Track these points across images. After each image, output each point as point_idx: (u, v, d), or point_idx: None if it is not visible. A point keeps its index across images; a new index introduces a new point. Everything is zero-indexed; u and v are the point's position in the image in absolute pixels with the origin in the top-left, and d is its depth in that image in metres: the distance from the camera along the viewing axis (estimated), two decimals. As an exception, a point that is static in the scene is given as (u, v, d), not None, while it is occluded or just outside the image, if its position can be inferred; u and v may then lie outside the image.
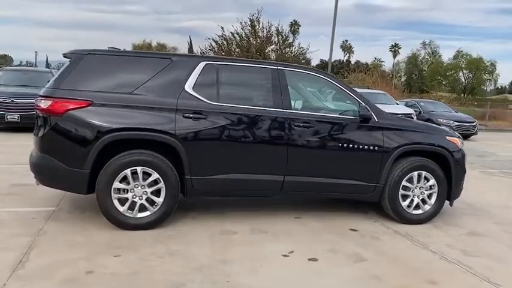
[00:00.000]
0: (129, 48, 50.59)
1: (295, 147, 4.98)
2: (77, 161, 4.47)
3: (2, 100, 11.98)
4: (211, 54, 23.97)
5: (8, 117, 11.95)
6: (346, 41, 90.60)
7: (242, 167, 4.88)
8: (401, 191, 5.31)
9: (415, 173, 5.34)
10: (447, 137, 5.59)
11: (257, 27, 24.75)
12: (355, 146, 5.13)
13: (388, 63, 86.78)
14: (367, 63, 64.11)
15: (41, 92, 4.72)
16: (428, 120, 16.21)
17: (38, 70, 19.13)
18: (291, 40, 26.09)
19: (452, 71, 70.32)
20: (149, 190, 4.60)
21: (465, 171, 5.67)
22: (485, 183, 8.51)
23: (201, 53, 24.61)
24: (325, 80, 5.49)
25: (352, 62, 76.71)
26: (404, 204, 5.34)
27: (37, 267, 3.66)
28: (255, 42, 24.70)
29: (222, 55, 23.33)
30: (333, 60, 25.57)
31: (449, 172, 5.47)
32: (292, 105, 5.14)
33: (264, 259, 4.10)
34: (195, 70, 4.84)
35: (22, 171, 6.57)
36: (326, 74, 5.68)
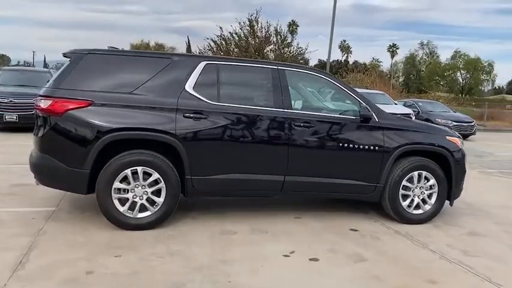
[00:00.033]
0: (127, 48, 50.47)
1: (295, 147, 4.98)
2: (77, 161, 4.46)
3: (0, 100, 11.95)
4: (210, 54, 23.94)
5: (6, 117, 11.93)
6: (344, 41, 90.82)
7: (243, 167, 4.88)
8: (401, 191, 5.31)
9: (416, 173, 5.34)
10: (447, 137, 5.60)
11: (256, 27, 24.74)
12: (356, 146, 5.13)
13: (386, 64, 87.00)
14: (365, 64, 64.22)
15: (41, 92, 4.71)
16: (426, 120, 16.22)
17: (36, 70, 19.09)
18: (289, 40, 26.10)
19: (450, 71, 70.49)
20: (149, 190, 4.59)
21: (465, 171, 5.68)
22: (484, 183, 8.52)
23: (199, 53, 24.56)
24: (325, 80, 5.49)
25: (350, 62, 76.73)
26: (405, 204, 5.35)
27: (37, 267, 3.64)
28: (253, 42, 24.69)
29: (221, 55, 23.32)
30: (331, 60, 25.53)
31: (450, 172, 5.47)
32: (293, 105, 5.14)
33: (265, 259, 4.09)
34: (195, 70, 4.83)
35: (21, 171, 6.56)
36: (326, 74, 5.68)
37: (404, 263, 4.21)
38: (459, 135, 5.99)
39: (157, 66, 4.78)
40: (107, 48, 5.12)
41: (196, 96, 4.75)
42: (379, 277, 3.87)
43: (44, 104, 4.50)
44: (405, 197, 5.36)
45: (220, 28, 24.81)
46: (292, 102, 5.14)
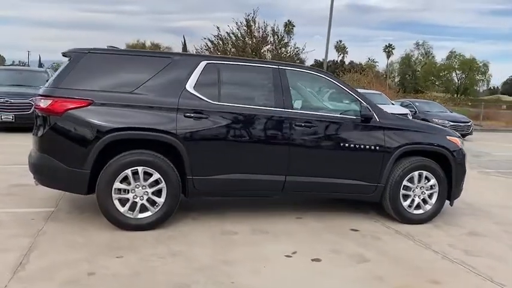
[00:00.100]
0: (123, 48, 50.27)
1: (296, 147, 4.96)
2: (77, 161, 4.42)
3: (-4, 100, 11.88)
4: (207, 54, 23.90)
5: (2, 117, 11.85)
6: (340, 41, 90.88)
7: (244, 167, 4.86)
8: (402, 191, 5.30)
9: (416, 173, 5.34)
10: (447, 137, 5.60)
11: (253, 27, 24.72)
12: (357, 146, 5.12)
13: (381, 64, 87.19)
14: (361, 64, 64.30)
15: (41, 91, 4.67)
16: (423, 120, 16.24)
17: (32, 70, 18.98)
18: (286, 40, 26.09)
19: (446, 72, 70.77)
20: (150, 190, 4.56)
21: (465, 171, 5.68)
22: (483, 183, 8.54)
23: (196, 53, 24.51)
24: (326, 79, 5.47)
25: (346, 63, 76.89)
26: (405, 204, 5.34)
27: (38, 268, 3.61)
28: (250, 42, 24.68)
29: (218, 55, 23.29)
30: (325, 60, 25.53)
31: (450, 172, 5.47)
32: (294, 104, 5.12)
33: (267, 260, 4.07)
34: (196, 69, 4.81)
35: (20, 171, 6.52)
36: (327, 74, 5.67)
37: (406, 263, 4.21)
38: (459, 135, 5.99)
39: (157, 66, 4.75)
40: (106, 47, 5.09)
41: (197, 96, 4.72)
42: (381, 277, 3.86)
43: (43, 103, 4.46)
44: (406, 197, 5.35)
45: (218, 28, 24.82)
46: (293, 102, 5.12)
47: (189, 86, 4.74)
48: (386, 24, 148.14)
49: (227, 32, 24.78)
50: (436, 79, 71.57)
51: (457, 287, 3.84)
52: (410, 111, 17.72)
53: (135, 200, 4.53)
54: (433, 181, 5.40)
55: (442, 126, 15.44)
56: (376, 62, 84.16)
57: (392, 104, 18.10)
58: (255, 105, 5.01)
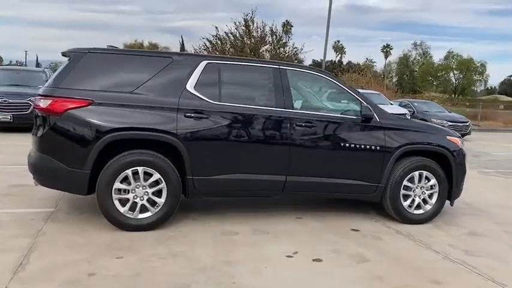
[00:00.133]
0: (121, 48, 50.14)
1: (297, 147, 4.96)
2: (77, 161, 4.40)
3: (-6, 100, 11.85)
4: (205, 54, 23.87)
5: (0, 117, 11.80)
6: (338, 41, 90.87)
7: (244, 167, 4.85)
8: (402, 191, 5.30)
9: (416, 173, 5.33)
10: (448, 137, 5.60)
11: (251, 27, 24.70)
12: (357, 146, 5.11)
13: (379, 64, 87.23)
14: (359, 64, 64.35)
15: (40, 91, 4.65)
16: (422, 120, 16.26)
17: (30, 70, 18.93)
18: (285, 40, 26.09)
19: (443, 72, 70.90)
20: (150, 191, 4.54)
21: (465, 171, 5.68)
22: (482, 183, 8.54)
23: (194, 53, 24.47)
24: (327, 79, 5.46)
25: (344, 63, 76.95)
26: (406, 204, 5.34)
27: (38, 269, 3.59)
28: (249, 42, 24.65)
29: (216, 55, 23.26)
30: (323, 60, 25.54)
31: (450, 172, 5.47)
32: (294, 104, 5.10)
33: (268, 260, 4.06)
34: (196, 69, 4.79)
35: (19, 171, 6.51)
36: (328, 74, 5.66)
37: (407, 263, 4.20)
38: (459, 135, 6.00)
39: (158, 66, 4.74)
40: (106, 47, 5.07)
41: (197, 96, 4.71)
42: (382, 278, 3.85)
43: (43, 103, 4.44)
44: (406, 197, 5.35)
45: (216, 28, 24.79)
46: (294, 101, 5.11)
47: (190, 85, 4.72)
48: (384, 24, 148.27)
49: (225, 32, 24.79)
50: (433, 79, 71.70)
51: (458, 287, 3.83)
52: (409, 111, 17.74)
53: (135, 200, 4.52)
54: (433, 181, 5.40)
55: (441, 126, 15.54)
56: (374, 62, 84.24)
57: (391, 104, 18.12)
58: (256, 105, 5.00)
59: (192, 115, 4.63)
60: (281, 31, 28.16)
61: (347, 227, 5.17)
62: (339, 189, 5.23)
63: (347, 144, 5.09)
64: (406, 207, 5.34)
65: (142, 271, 3.67)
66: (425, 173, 5.36)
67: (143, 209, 4.56)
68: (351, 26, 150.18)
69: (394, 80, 78.11)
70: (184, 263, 3.89)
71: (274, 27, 25.77)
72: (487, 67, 70.33)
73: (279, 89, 5.01)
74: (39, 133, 4.54)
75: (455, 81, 71.27)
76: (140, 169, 4.48)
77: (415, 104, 20.47)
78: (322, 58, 25.69)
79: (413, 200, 5.38)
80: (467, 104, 39.21)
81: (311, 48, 67.51)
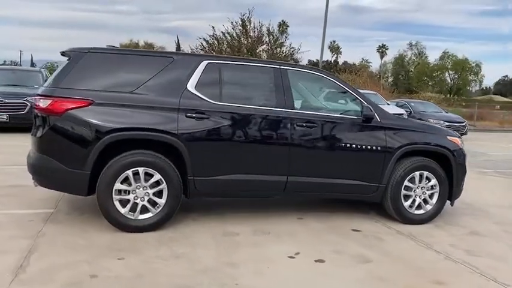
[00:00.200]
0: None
1: (298, 147, 4.94)
2: (77, 161, 4.37)
3: (-10, 100, 11.77)
4: (202, 53, 23.81)
5: (-3, 117, 11.73)
6: (334, 41, 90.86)
7: (245, 167, 4.82)
8: (403, 191, 5.29)
9: (417, 173, 5.33)
10: (448, 137, 5.61)
11: (248, 27, 24.69)
12: (358, 146, 5.10)
13: (375, 64, 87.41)
14: (354, 64, 64.49)
15: (40, 91, 4.61)
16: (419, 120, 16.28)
17: (27, 69, 18.83)
18: (282, 40, 26.12)
19: (439, 72, 71.10)
20: (151, 191, 4.51)
21: (466, 171, 5.69)
22: (481, 184, 8.56)
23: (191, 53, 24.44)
24: (327, 79, 5.45)
25: (340, 63, 77.06)
26: (406, 204, 5.33)
27: (39, 270, 3.55)
28: (246, 42, 24.65)
29: (213, 54, 23.24)
30: (320, 60, 25.52)
31: (451, 172, 5.47)
32: (295, 104, 5.09)
33: (270, 261, 4.04)
34: (197, 69, 4.76)
35: (17, 172, 6.47)
36: (328, 74, 5.65)
37: (410, 264, 4.19)
38: (459, 135, 6.00)
39: (158, 65, 4.71)
40: (106, 46, 5.04)
41: (198, 96, 4.68)
42: (385, 278, 3.84)
43: (43, 103, 4.40)
44: (407, 197, 5.34)
45: (213, 28, 24.76)
46: (295, 102, 5.09)
47: (190, 85, 4.69)
48: (380, 24, 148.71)
49: (222, 32, 24.77)
50: (429, 79, 71.89)
51: (461, 287, 3.83)
52: (406, 111, 17.75)
53: (135, 201, 4.48)
54: (433, 181, 5.40)
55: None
56: (370, 62, 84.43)
57: (388, 104, 18.11)
58: (257, 105, 4.98)
59: (193, 115, 4.60)
60: (277, 31, 28.22)
61: (348, 227, 5.16)
62: (340, 190, 5.21)
63: (348, 145, 5.08)
64: (406, 208, 5.34)
65: (144, 272, 3.64)
66: (426, 173, 5.36)
67: (144, 210, 4.52)
68: (346, 26, 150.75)
69: (390, 80, 78.24)
70: (186, 264, 3.87)
71: (271, 27, 25.81)
72: (481, 67, 70.65)
73: (280, 89, 4.99)
74: (39, 133, 4.50)
75: (451, 81, 71.49)
76: (141, 170, 4.45)
77: (412, 104, 20.51)
78: (318, 58, 25.67)
79: (414, 200, 5.37)
80: (463, 104, 39.38)
81: (307, 48, 67.52)
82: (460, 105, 38.45)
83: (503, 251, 4.74)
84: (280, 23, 58.20)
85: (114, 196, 4.41)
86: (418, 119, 16.70)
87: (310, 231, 4.96)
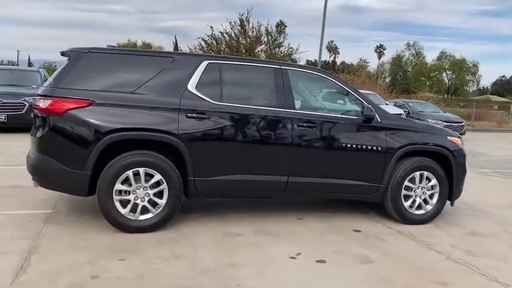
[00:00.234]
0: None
1: (299, 147, 4.93)
2: (78, 162, 4.34)
3: (-12, 100, 11.72)
4: (200, 53, 23.78)
5: (-6, 117, 11.67)
6: (332, 41, 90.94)
7: (246, 167, 4.81)
8: (403, 191, 5.29)
9: (417, 173, 5.32)
10: (448, 137, 5.60)
11: (247, 27, 24.68)
12: (359, 146, 5.10)
13: (373, 64, 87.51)
14: (352, 64, 64.56)
15: (40, 91, 4.59)
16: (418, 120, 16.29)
17: (25, 69, 18.74)
18: (281, 40, 26.12)
19: (436, 72, 71.27)
20: (151, 192, 4.49)
21: (466, 171, 5.69)
22: (480, 184, 8.56)
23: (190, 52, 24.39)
24: (328, 79, 5.44)
25: (338, 63, 77.18)
26: (407, 204, 5.33)
27: (39, 272, 3.53)
28: (244, 42, 24.63)
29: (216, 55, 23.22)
30: (318, 60, 25.54)
31: (451, 172, 5.47)
32: (296, 105, 5.08)
33: (272, 262, 4.03)
34: (197, 69, 4.75)
35: (15, 172, 6.43)
36: (329, 74, 5.64)
37: (412, 264, 4.19)
38: (459, 135, 6.00)
39: (159, 65, 4.69)
40: (106, 46, 5.02)
41: (199, 96, 4.67)
42: (387, 279, 3.83)
43: (43, 103, 4.38)
44: (407, 197, 5.34)
45: (211, 28, 24.73)
46: (295, 102, 5.08)
47: (191, 85, 4.68)
48: (377, 24, 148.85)
49: (221, 32, 24.74)
50: (426, 79, 72.06)
51: (463, 287, 3.82)
52: (404, 111, 17.77)
53: (136, 201, 4.46)
54: (434, 181, 5.40)
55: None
56: (368, 62, 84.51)
57: (386, 104, 18.13)
58: (257, 105, 4.97)
59: (194, 115, 4.58)
60: (275, 31, 28.20)
61: (348, 227, 5.15)
62: (340, 190, 5.21)
63: (349, 145, 5.07)
64: (407, 208, 5.33)
65: (145, 273, 3.63)
66: (426, 173, 5.36)
67: (144, 211, 4.50)
68: (344, 26, 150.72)
69: (388, 80, 78.37)
70: (188, 265, 3.85)
71: (269, 27, 25.81)
72: (479, 67, 70.86)
73: (281, 89, 4.98)
74: (39, 134, 4.48)
75: (448, 81, 71.68)
76: (141, 170, 4.43)
77: (410, 104, 20.54)
78: (315, 58, 25.76)
79: (414, 201, 5.37)
80: (461, 104, 39.48)
81: (304, 48, 67.45)
82: (457, 105, 38.57)
83: (504, 251, 4.74)
84: (278, 23, 58.30)
85: (114, 197, 4.39)
86: (417, 119, 16.75)
87: (311, 231, 4.95)
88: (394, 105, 19.08)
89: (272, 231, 4.83)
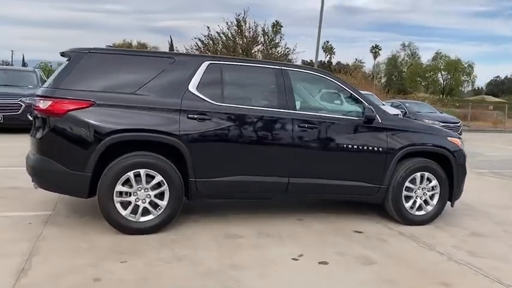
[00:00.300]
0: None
1: (300, 148, 4.92)
2: (78, 163, 4.31)
3: (-16, 100, 11.63)
4: (197, 53, 23.76)
5: (-10, 118, 11.60)
6: (327, 42, 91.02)
7: (247, 168, 4.79)
8: (404, 192, 5.28)
9: (418, 174, 5.32)
10: (448, 138, 5.61)
11: (243, 27, 24.66)
12: (360, 147, 5.09)
13: (368, 65, 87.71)
14: (348, 64, 64.67)
15: (39, 92, 4.55)
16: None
17: (21, 69, 18.67)
18: (277, 40, 26.13)
19: (431, 73, 71.52)
20: (152, 193, 4.46)
21: (466, 172, 5.70)
22: (478, 184, 8.56)
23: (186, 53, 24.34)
24: (329, 80, 5.43)
25: (334, 63, 77.27)
26: (407, 205, 5.32)
27: (41, 274, 3.49)
28: (241, 42, 24.61)
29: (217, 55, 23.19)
30: (315, 61, 25.56)
31: (451, 173, 5.47)
32: (297, 105, 5.06)
33: (274, 263, 4.01)
34: (198, 70, 4.73)
35: (13, 173, 6.38)
36: (330, 75, 5.62)
37: (414, 265, 4.18)
38: (459, 135, 6.01)
39: (160, 66, 4.67)
40: (105, 47, 4.99)
41: (200, 97, 4.64)
42: (390, 280, 3.82)
43: (43, 104, 4.34)
44: (408, 198, 5.33)
45: (208, 28, 24.69)
46: (296, 103, 5.07)
47: (192, 86, 4.65)
48: (373, 25, 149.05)
49: (217, 32, 24.71)
50: (422, 80, 72.31)
51: (467, 289, 3.83)
52: (401, 111, 17.79)
53: (137, 203, 4.43)
54: (434, 182, 5.40)
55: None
56: (363, 62, 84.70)
57: (383, 104, 18.14)
58: (258, 106, 4.96)
59: (195, 116, 4.56)
60: (271, 31, 28.22)
61: (349, 228, 5.14)
62: (341, 191, 5.20)
63: (350, 146, 5.06)
64: (407, 209, 5.33)
65: (148, 275, 3.60)
66: (426, 174, 5.36)
67: (145, 212, 4.47)
68: (339, 26, 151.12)
69: (383, 80, 78.57)
70: (190, 267, 3.83)
71: (266, 27, 25.80)
72: (474, 68, 71.16)
73: (282, 89, 4.97)
74: (39, 135, 4.44)
75: (443, 81, 71.95)
76: (142, 171, 4.40)
77: (407, 104, 20.59)
78: (311, 59, 25.75)
79: (414, 201, 5.37)
80: (457, 104, 39.64)
81: (300, 48, 67.49)
82: (453, 105, 38.72)
83: (505, 252, 4.74)
84: (274, 23, 58.34)
85: (115, 198, 4.36)
86: (414, 119, 16.78)
87: (312, 232, 4.94)
88: (391, 106, 19.10)
89: (273, 233, 4.81)
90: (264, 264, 3.98)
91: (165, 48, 47.30)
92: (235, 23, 24.65)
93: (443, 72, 71.49)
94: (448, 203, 5.63)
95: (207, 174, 4.65)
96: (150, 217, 4.49)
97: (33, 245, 4.05)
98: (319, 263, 4.09)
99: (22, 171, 4.80)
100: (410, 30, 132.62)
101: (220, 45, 24.68)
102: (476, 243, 4.94)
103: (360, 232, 5.04)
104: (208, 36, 24.61)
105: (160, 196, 4.50)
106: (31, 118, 4.79)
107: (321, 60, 76.05)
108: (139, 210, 4.44)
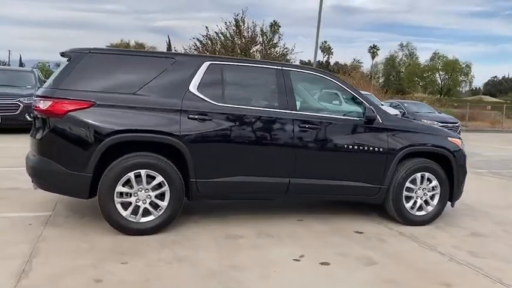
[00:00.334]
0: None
1: (301, 148, 4.91)
2: (78, 164, 4.29)
3: (-18, 100, 11.59)
4: (195, 53, 23.70)
5: (-12, 118, 11.56)
6: (326, 42, 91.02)
7: (248, 169, 4.78)
8: (405, 193, 5.28)
9: (419, 174, 5.32)
10: (449, 138, 5.61)
11: (242, 27, 24.63)
12: (361, 148, 5.08)
13: (366, 65, 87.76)
14: (346, 64, 64.70)
15: (39, 92, 4.54)
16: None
17: (19, 70, 18.61)
18: (276, 41, 26.09)
19: (429, 73, 71.65)
20: (153, 194, 4.45)
21: (466, 172, 5.71)
22: (477, 184, 8.56)
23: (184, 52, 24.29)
24: (330, 81, 5.42)
25: (332, 63, 77.37)
26: (408, 205, 5.32)
27: (42, 276, 3.48)
28: (239, 42, 24.58)
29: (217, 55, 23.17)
30: (314, 61, 25.55)
31: (451, 173, 5.47)
32: (298, 106, 5.05)
33: (274, 264, 4.00)
34: (199, 70, 4.71)
35: (12, 174, 6.35)
36: (330, 75, 5.61)
37: (415, 266, 4.18)
38: (459, 136, 6.01)
39: (160, 66, 4.65)
40: (105, 47, 4.97)
41: (200, 97, 4.63)
42: (392, 280, 3.82)
43: (43, 104, 4.32)
44: (408, 198, 5.33)
45: (206, 28, 24.65)
46: (297, 103, 5.06)
47: (193, 86, 4.64)
48: (371, 25, 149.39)
49: (216, 32, 24.66)
50: (419, 80, 72.43)
51: (468, 289, 3.83)
52: (400, 111, 17.81)
53: (137, 203, 4.42)
54: (434, 182, 5.40)
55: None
56: (361, 62, 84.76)
57: (382, 104, 18.16)
58: (259, 106, 4.95)
59: (196, 117, 4.55)
60: (269, 31, 28.18)
61: (350, 229, 5.13)
62: (342, 191, 5.19)
63: (350, 146, 5.06)
64: (408, 209, 5.33)
65: (149, 276, 3.59)
66: (427, 174, 5.36)
67: (146, 213, 4.46)
68: (337, 26, 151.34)
69: (381, 80, 78.64)
70: (191, 267, 3.82)
71: (264, 27, 25.78)
72: (471, 68, 71.34)
73: (282, 90, 4.96)
74: (39, 135, 4.42)
75: (441, 82, 72.08)
76: (143, 172, 4.39)
77: (406, 104, 20.61)
78: (309, 59, 25.75)
79: (415, 202, 5.37)
80: (455, 104, 39.72)
81: (299, 48, 67.48)
82: (451, 105, 38.79)
83: (506, 252, 4.75)
84: (271, 23, 58.26)
85: (115, 199, 4.35)
86: (412, 119, 16.79)
87: (313, 233, 4.93)
88: (390, 106, 19.12)
89: (274, 233, 4.80)
90: (264, 264, 3.97)
91: (163, 48, 47.30)
92: (234, 23, 24.63)
93: (441, 73, 71.67)
94: (448, 203, 5.63)
95: (207, 174, 4.64)
96: (150, 218, 4.48)
97: (34, 246, 4.03)
98: (321, 263, 4.09)
99: (22, 172, 4.78)
100: (408, 30, 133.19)
101: (218, 45, 24.64)
102: (476, 244, 4.94)
103: (361, 232, 5.03)
104: (206, 36, 24.60)
105: (161, 197, 4.49)
106: (29, 118, 4.78)
107: (319, 61, 76.07)
108: (140, 211, 4.43)
